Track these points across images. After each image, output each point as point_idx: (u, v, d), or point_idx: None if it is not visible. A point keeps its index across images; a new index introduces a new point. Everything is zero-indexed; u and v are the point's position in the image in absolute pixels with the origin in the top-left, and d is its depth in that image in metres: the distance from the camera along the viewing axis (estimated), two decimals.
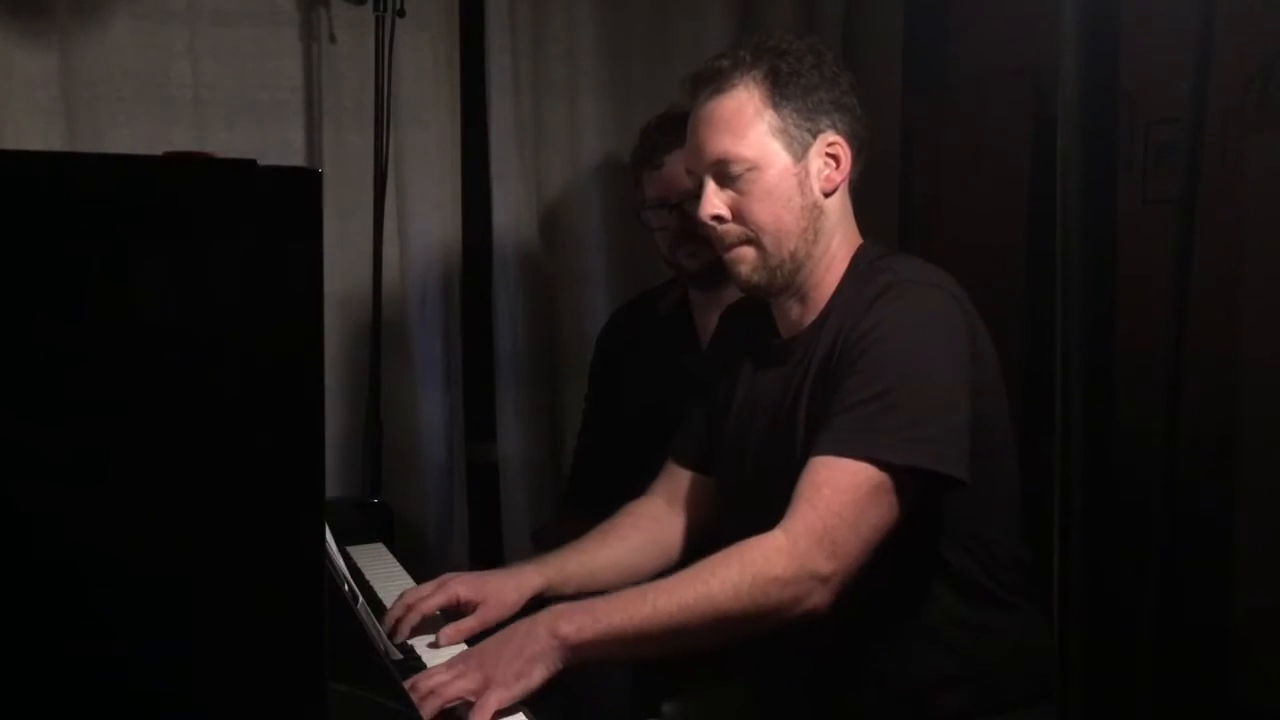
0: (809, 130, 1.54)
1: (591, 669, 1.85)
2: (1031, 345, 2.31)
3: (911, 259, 1.59)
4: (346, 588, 1.51)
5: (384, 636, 1.45)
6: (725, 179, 1.55)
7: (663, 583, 1.40)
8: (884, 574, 1.47)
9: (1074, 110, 1.85)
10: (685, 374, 1.90)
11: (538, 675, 1.33)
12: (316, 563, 1.00)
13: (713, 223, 1.56)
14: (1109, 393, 1.87)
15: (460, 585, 1.53)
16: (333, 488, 2.23)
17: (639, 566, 1.66)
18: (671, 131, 2.04)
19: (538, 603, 1.53)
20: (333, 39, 2.33)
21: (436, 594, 1.52)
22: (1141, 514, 1.91)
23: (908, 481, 1.42)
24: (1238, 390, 1.79)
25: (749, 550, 1.40)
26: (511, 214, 2.48)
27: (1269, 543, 1.78)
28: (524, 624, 1.38)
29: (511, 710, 1.32)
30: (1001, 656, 1.56)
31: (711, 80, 1.55)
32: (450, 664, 1.34)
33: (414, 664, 1.44)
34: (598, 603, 1.40)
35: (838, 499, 1.40)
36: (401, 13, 2.19)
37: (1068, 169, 1.87)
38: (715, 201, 1.55)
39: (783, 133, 1.53)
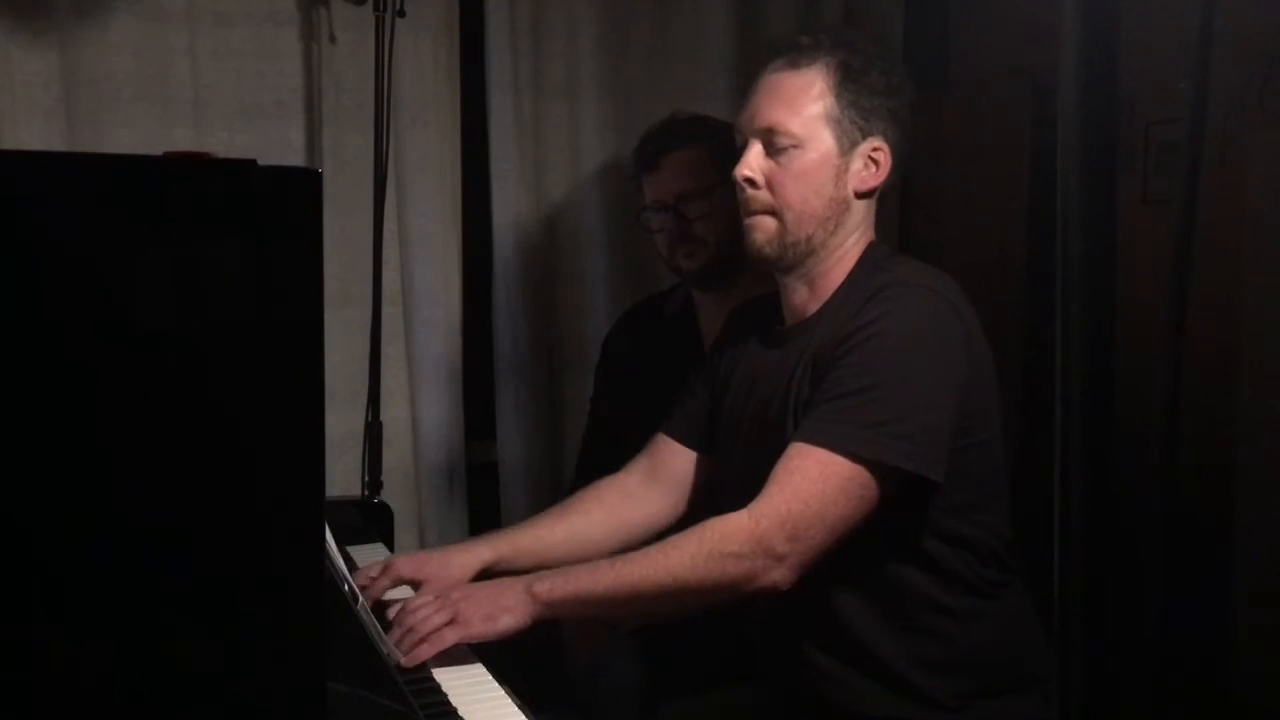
0: (860, 129, 1.59)
1: (599, 666, 1.87)
2: (1030, 345, 2.30)
3: (914, 262, 1.63)
4: (346, 588, 1.52)
5: (384, 636, 1.45)
6: (769, 148, 1.59)
7: (633, 554, 1.52)
8: (866, 560, 1.53)
9: (1074, 110, 1.84)
10: (688, 377, 1.90)
11: (504, 623, 1.45)
12: (316, 562, 1.00)
13: (744, 184, 1.61)
14: (1108, 393, 1.86)
15: (402, 565, 1.65)
16: (333, 487, 2.23)
17: (595, 542, 1.71)
18: (668, 135, 2.06)
19: (486, 576, 1.63)
20: (333, 39, 2.33)
21: (380, 578, 1.63)
22: (1142, 513, 1.91)
23: (880, 475, 1.47)
24: (1238, 390, 1.79)
25: (711, 527, 1.49)
26: (511, 214, 2.48)
27: (1269, 542, 1.78)
28: (508, 580, 1.52)
29: (470, 660, 1.45)
30: (987, 645, 1.59)
31: (787, 52, 1.61)
32: (434, 599, 1.48)
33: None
34: (573, 568, 1.53)
35: (806, 486, 1.46)
36: (401, 13, 2.19)
37: (1068, 169, 1.86)
38: (753, 165, 1.60)
39: (836, 123, 1.58)
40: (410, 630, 1.43)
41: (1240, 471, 1.81)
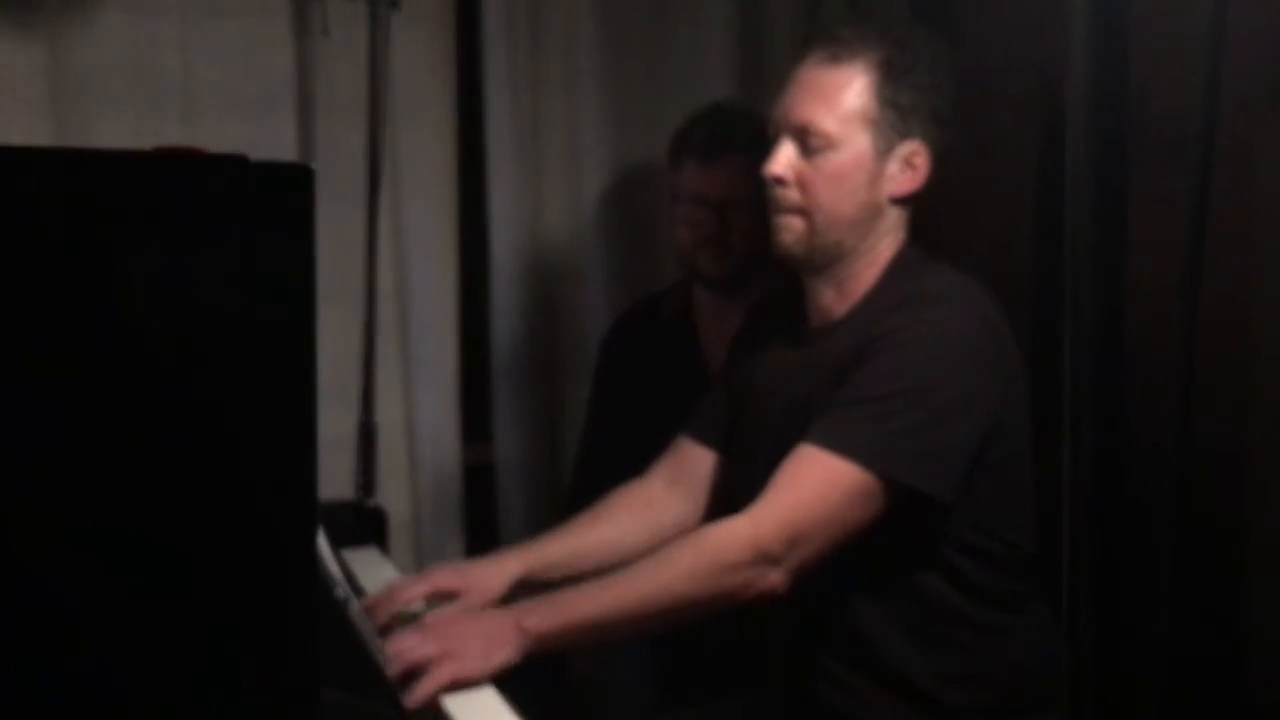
0: (899, 131, 1.54)
1: (602, 675, 1.85)
2: (1038, 346, 2.28)
3: (947, 269, 1.58)
4: (340, 592, 1.50)
5: (378, 642, 1.43)
6: (802, 146, 1.55)
7: (625, 571, 1.46)
8: (886, 569, 1.51)
9: (1083, 106, 1.83)
10: (687, 382, 1.88)
11: (498, 659, 1.38)
12: (309, 566, 1.00)
13: (773, 182, 1.56)
14: (1118, 389, 1.85)
15: (443, 575, 1.58)
16: (325, 490, 2.20)
17: (626, 550, 1.65)
18: (730, 130, 2.00)
19: (523, 587, 1.59)
20: (326, 32, 2.30)
21: (418, 583, 1.56)
22: (1153, 517, 1.89)
23: (886, 487, 1.43)
24: (1250, 389, 1.77)
25: (709, 536, 1.46)
26: (509, 211, 2.45)
27: None
28: (497, 612, 1.46)
29: (479, 686, 1.38)
30: (1010, 659, 1.57)
31: (829, 46, 1.55)
32: (418, 630, 1.42)
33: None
34: (563, 594, 1.47)
35: (811, 492, 1.43)
36: (396, 5, 2.18)
37: (1077, 165, 1.85)
38: (784, 163, 1.55)
39: (874, 125, 1.53)
40: (396, 659, 1.36)
41: (1253, 472, 1.79)
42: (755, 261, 1.99)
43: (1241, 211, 1.71)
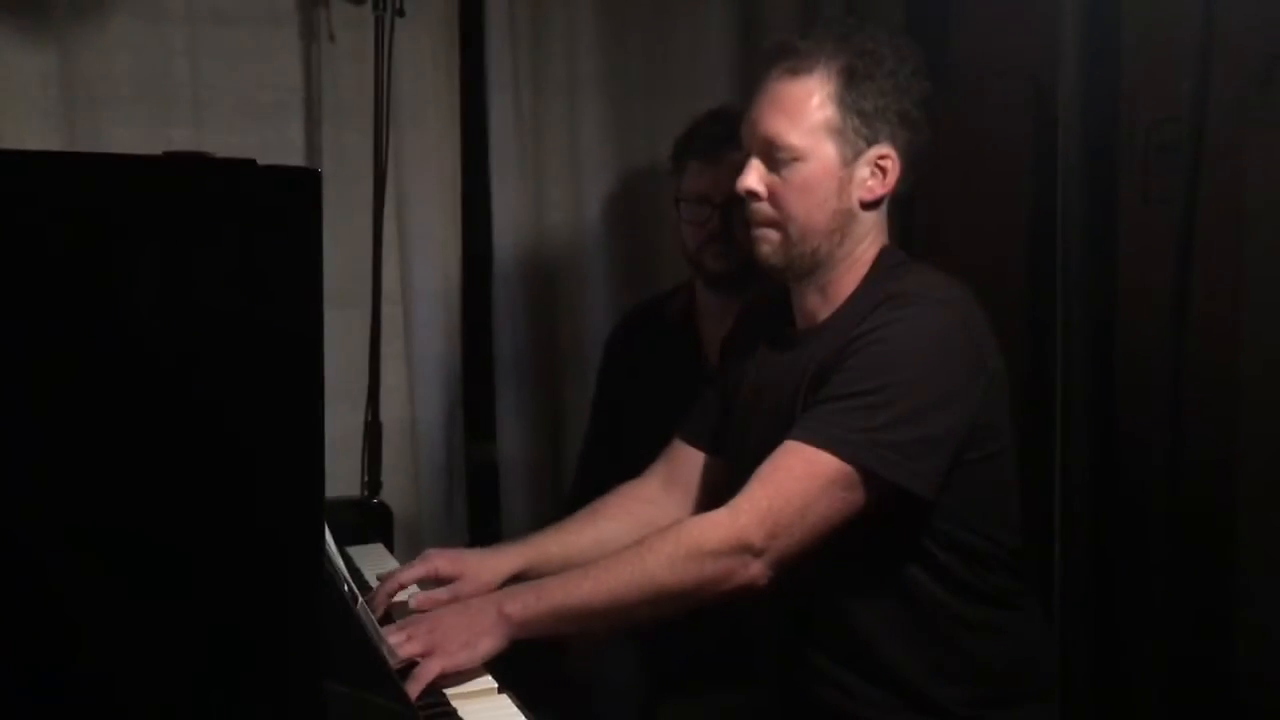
0: (865, 137, 1.55)
1: (598, 667, 1.86)
2: (1031, 347, 2.30)
3: (927, 271, 1.60)
4: (346, 588, 1.51)
5: (384, 636, 1.45)
6: (770, 160, 1.57)
7: (606, 560, 1.47)
8: (874, 566, 1.53)
9: (1074, 110, 1.84)
10: (689, 382, 1.89)
11: (484, 648, 1.40)
12: (316, 563, 1.00)
13: (747, 197, 1.59)
14: (1110, 392, 1.86)
15: (440, 559, 1.60)
16: (332, 488, 2.22)
17: (623, 547, 1.67)
18: (732, 130, 2.01)
19: (516, 582, 1.59)
20: (332, 38, 2.32)
21: (416, 566, 1.59)
22: (1146, 519, 1.89)
23: (865, 481, 1.45)
24: (1240, 389, 1.78)
25: (688, 525, 1.48)
26: (511, 213, 2.47)
27: (1274, 543, 1.76)
28: (477, 600, 1.47)
29: (477, 674, 1.40)
30: (1000, 654, 1.58)
31: (788, 58, 1.56)
32: (403, 626, 1.42)
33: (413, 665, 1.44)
34: (546, 581, 1.48)
35: (791, 483, 1.44)
36: (401, 12, 2.19)
37: (1068, 169, 1.87)
38: (754, 178, 1.58)
39: (839, 133, 1.54)
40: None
41: (1244, 470, 1.79)
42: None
43: (1230, 216, 1.72)
